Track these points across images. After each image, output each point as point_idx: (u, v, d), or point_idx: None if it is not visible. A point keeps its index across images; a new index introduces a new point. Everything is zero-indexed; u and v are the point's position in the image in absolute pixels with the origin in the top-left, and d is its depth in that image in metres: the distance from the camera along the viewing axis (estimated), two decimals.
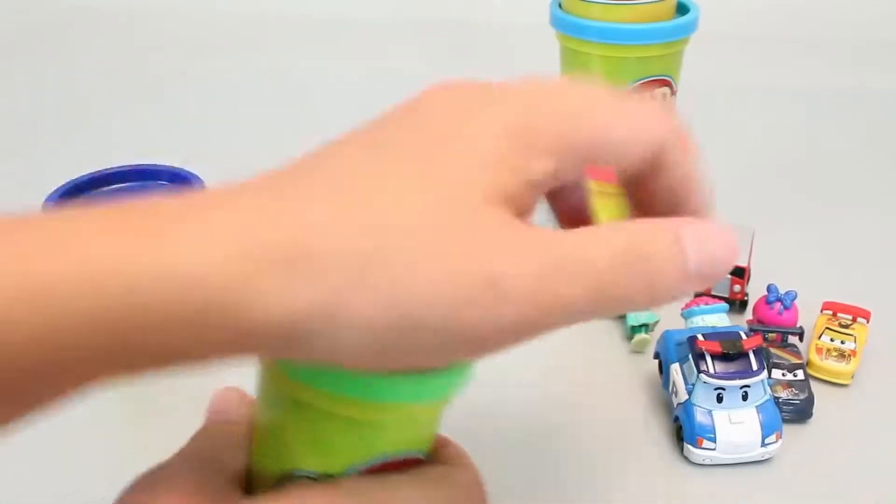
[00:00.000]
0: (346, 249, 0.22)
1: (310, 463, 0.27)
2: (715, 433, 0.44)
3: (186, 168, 0.53)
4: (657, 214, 0.28)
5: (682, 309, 0.51)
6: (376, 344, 0.22)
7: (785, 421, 0.47)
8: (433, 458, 0.30)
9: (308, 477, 0.27)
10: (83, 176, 0.50)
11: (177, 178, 0.52)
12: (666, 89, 0.54)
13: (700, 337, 0.46)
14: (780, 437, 0.45)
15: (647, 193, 0.29)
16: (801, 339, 0.52)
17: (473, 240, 0.23)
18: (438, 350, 0.23)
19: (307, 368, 0.25)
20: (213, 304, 0.21)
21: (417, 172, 0.24)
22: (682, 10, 0.55)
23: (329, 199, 0.23)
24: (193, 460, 0.28)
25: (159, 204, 0.22)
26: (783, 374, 0.49)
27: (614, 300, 0.24)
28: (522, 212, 0.25)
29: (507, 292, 0.22)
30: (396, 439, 0.28)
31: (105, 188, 0.51)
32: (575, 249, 0.24)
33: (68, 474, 0.45)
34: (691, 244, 0.25)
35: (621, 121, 0.26)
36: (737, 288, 0.57)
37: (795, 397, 0.48)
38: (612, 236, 0.24)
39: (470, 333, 0.23)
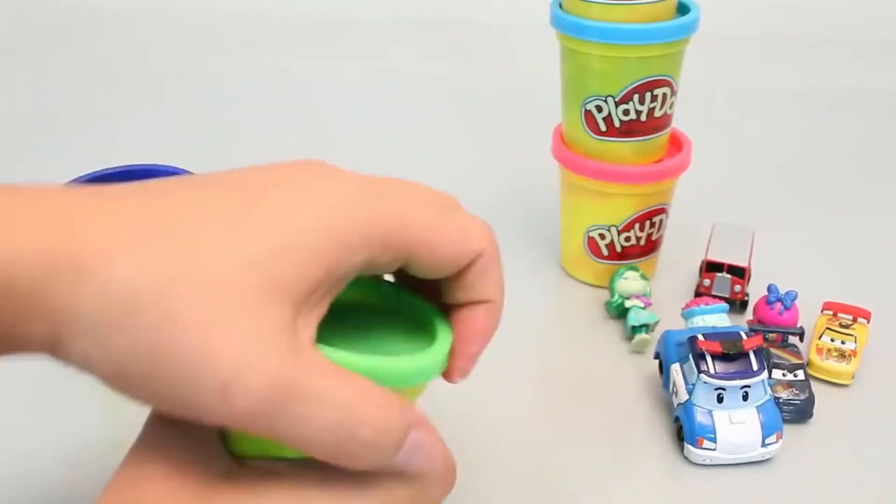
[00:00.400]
0: (126, 289, 0.23)
1: (289, 453, 0.27)
2: (715, 433, 0.44)
3: (186, 168, 0.53)
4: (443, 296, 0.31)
5: (683, 309, 0.51)
6: (122, 377, 0.24)
7: (785, 421, 0.47)
8: None
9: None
10: (83, 176, 0.50)
11: None
12: (666, 89, 0.54)
13: (700, 337, 0.46)
14: (781, 438, 0.45)
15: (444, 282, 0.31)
16: (801, 340, 0.52)
17: (229, 336, 0.23)
18: (156, 397, 0.24)
19: None
20: (16, 291, 0.23)
21: (225, 237, 0.25)
22: (682, 10, 0.55)
23: (139, 238, 0.24)
24: (173, 427, 0.27)
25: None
26: (783, 375, 0.49)
27: (310, 451, 0.25)
28: (318, 296, 0.26)
29: (234, 399, 0.23)
30: None
31: None
32: (305, 396, 0.24)
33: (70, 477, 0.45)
34: (409, 452, 0.26)
35: (447, 237, 0.29)
36: (737, 288, 0.57)
37: (796, 397, 0.48)
38: (341, 400, 0.25)
39: (192, 407, 0.24)
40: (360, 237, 0.26)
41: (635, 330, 0.54)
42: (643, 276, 0.57)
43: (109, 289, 0.23)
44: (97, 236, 0.23)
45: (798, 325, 0.53)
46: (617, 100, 0.54)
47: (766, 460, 0.45)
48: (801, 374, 0.49)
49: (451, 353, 0.30)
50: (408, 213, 0.28)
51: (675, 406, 0.47)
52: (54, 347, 0.24)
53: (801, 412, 0.48)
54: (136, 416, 0.28)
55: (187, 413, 0.24)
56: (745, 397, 0.45)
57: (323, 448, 0.25)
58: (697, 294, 0.58)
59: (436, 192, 0.30)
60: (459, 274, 0.30)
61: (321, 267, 0.25)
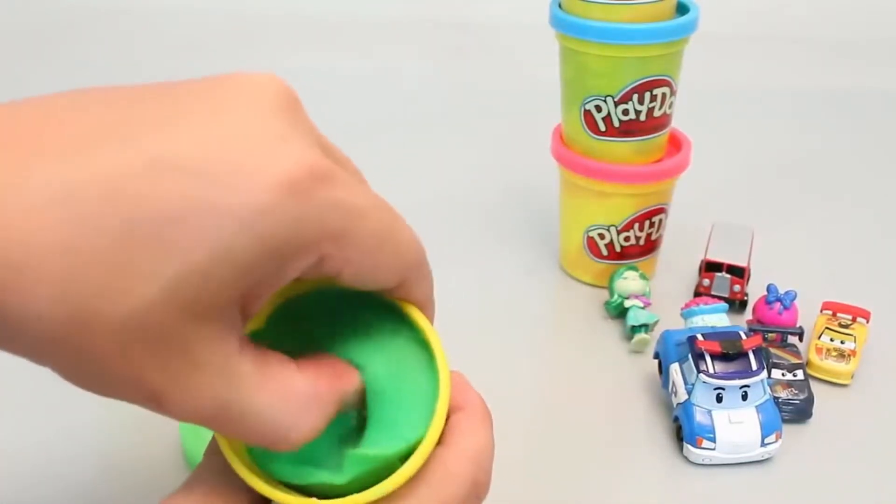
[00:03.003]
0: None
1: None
2: (714, 433, 0.44)
3: None
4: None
5: (682, 309, 0.51)
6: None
7: (785, 421, 0.47)
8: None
9: None
10: None
11: None
12: (666, 89, 0.54)
13: (700, 337, 0.46)
14: (780, 437, 0.45)
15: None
16: (800, 339, 0.52)
17: (158, 351, 0.21)
18: None
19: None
20: None
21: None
22: (682, 10, 0.55)
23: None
24: (213, 475, 0.27)
25: None
26: (783, 374, 0.49)
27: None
28: (248, 308, 0.24)
29: (166, 409, 0.23)
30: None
31: None
32: (242, 409, 0.24)
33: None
34: None
35: (382, 248, 0.25)
36: (736, 288, 0.57)
37: (795, 397, 0.48)
38: (271, 415, 0.24)
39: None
40: (293, 249, 0.22)
41: (635, 330, 0.54)
42: (643, 276, 0.57)
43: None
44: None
45: (797, 325, 0.53)
46: (616, 100, 0.54)
47: (766, 460, 0.45)
48: (800, 374, 0.49)
49: None
50: (349, 226, 0.24)
51: (675, 406, 0.47)
52: None
53: (800, 412, 0.48)
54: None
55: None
56: (745, 397, 0.45)
57: (260, 444, 0.25)
58: (697, 294, 0.58)
59: (374, 195, 0.26)
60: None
61: (243, 286, 0.22)
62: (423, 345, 0.29)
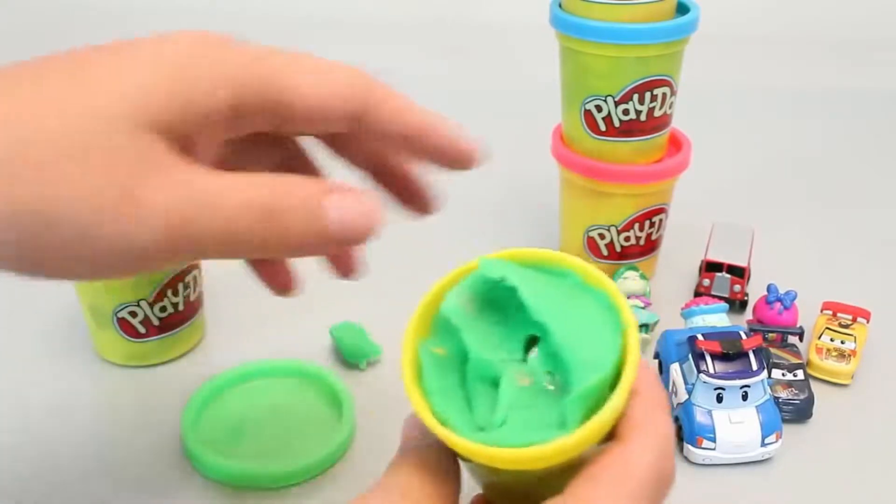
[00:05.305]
0: None
1: None
2: (715, 433, 0.44)
3: None
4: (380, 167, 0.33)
5: (682, 309, 0.51)
6: (11, 237, 0.24)
7: (785, 421, 0.47)
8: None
9: None
10: None
11: None
12: (666, 89, 0.54)
13: (700, 337, 0.46)
14: (780, 437, 0.45)
15: (363, 151, 0.32)
16: (801, 339, 0.52)
17: (116, 158, 0.24)
18: (73, 259, 0.25)
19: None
20: None
21: (73, 82, 0.25)
22: (682, 10, 0.55)
23: None
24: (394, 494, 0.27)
25: None
26: (783, 374, 0.49)
27: (243, 246, 0.26)
28: (185, 142, 0.26)
29: (142, 213, 0.24)
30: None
31: None
32: (213, 193, 0.25)
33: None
34: (334, 211, 0.27)
35: (311, 72, 0.28)
36: (737, 288, 0.57)
37: (795, 397, 0.48)
38: (254, 189, 0.26)
39: (103, 246, 0.24)
40: (210, 76, 0.26)
41: None
42: (643, 276, 0.57)
43: None
44: None
45: (797, 325, 0.53)
46: (616, 100, 0.54)
47: (766, 460, 0.45)
48: (800, 374, 0.49)
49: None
50: (270, 59, 0.27)
51: (675, 406, 0.47)
52: None
53: (800, 412, 0.48)
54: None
55: (81, 255, 0.25)
56: (745, 397, 0.45)
57: (244, 235, 0.26)
58: (697, 294, 0.58)
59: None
60: (362, 121, 0.30)
61: (172, 106, 0.25)
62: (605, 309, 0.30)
